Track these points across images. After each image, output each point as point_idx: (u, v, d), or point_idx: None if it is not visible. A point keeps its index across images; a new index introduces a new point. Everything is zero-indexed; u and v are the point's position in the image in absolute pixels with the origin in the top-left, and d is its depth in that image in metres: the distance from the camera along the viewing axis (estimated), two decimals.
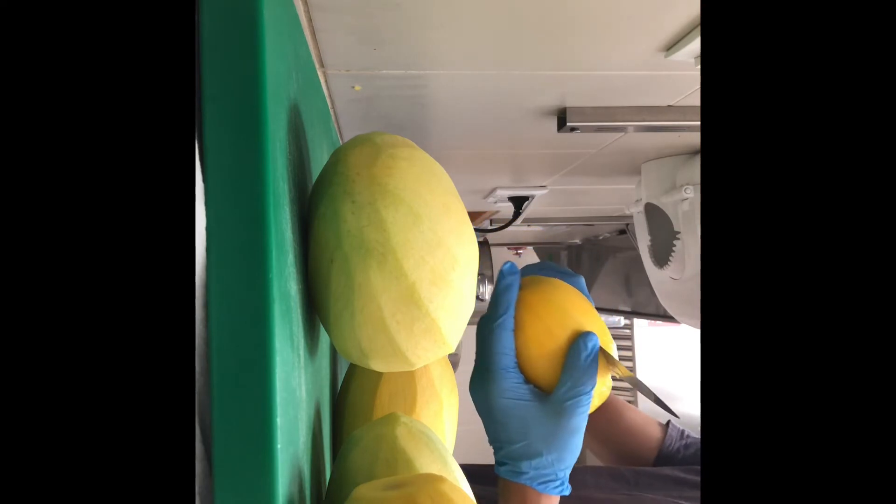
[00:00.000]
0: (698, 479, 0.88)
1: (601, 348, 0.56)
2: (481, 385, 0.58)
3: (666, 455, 0.94)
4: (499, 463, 0.59)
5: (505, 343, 0.56)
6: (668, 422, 0.97)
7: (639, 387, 0.58)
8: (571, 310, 0.57)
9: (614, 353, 0.58)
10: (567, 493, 0.59)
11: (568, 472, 0.58)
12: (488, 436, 0.59)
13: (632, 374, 0.58)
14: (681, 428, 0.96)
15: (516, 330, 0.57)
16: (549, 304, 0.57)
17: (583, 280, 0.63)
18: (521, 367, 0.57)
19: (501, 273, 0.57)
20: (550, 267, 0.62)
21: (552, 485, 0.57)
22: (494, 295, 0.57)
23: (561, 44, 0.51)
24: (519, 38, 0.50)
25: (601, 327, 0.58)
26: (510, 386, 0.56)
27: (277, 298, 0.24)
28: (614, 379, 0.60)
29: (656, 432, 0.95)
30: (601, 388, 0.57)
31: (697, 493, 0.85)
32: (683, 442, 0.94)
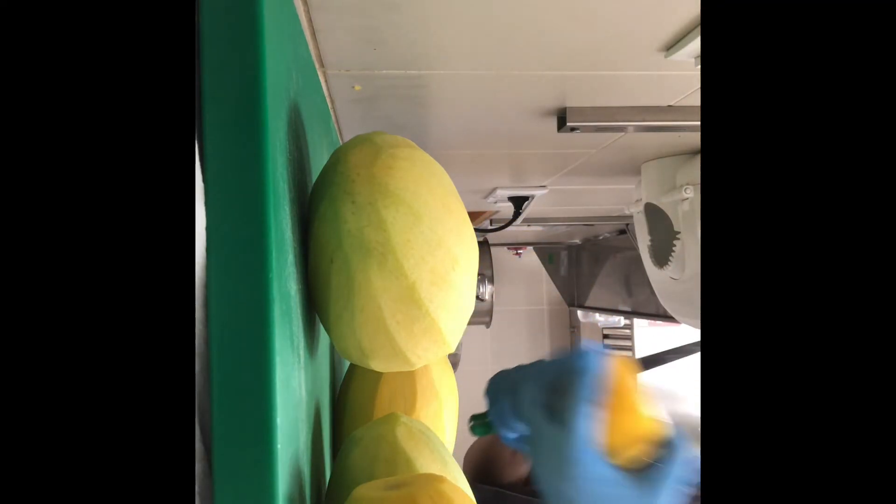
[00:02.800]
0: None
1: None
2: (556, 469, 0.42)
3: None
4: None
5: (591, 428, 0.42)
6: None
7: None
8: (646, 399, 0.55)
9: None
10: None
11: None
12: None
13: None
14: None
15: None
16: (635, 391, 0.53)
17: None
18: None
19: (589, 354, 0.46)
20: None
21: None
22: (585, 378, 0.44)
23: (561, 44, 0.51)
24: (519, 38, 0.50)
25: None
26: (600, 470, 0.42)
27: (277, 298, 0.24)
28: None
29: None
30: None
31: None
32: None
